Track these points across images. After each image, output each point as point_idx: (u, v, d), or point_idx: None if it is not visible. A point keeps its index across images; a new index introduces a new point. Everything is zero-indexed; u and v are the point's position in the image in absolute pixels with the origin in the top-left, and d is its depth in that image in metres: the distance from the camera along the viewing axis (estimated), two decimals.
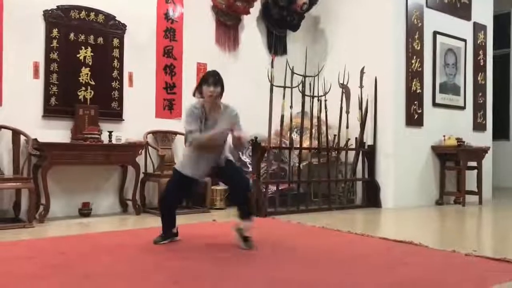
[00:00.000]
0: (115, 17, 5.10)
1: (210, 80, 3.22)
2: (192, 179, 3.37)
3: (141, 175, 5.11)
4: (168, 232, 3.44)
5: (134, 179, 4.99)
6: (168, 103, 5.50)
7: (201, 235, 3.85)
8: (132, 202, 4.99)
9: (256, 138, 5.07)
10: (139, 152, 5.01)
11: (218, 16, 5.90)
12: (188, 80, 5.65)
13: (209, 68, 5.81)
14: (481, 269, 2.84)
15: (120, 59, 5.13)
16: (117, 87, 5.10)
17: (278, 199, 5.21)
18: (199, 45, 5.77)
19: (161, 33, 5.48)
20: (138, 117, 5.26)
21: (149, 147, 5.23)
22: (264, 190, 5.11)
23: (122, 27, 5.14)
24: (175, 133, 5.49)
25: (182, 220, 4.54)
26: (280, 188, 5.30)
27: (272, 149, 5.26)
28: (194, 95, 3.35)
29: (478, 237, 4.56)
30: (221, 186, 5.57)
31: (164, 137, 5.44)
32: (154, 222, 4.43)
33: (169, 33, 5.53)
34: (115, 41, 5.10)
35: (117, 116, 5.11)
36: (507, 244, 4.06)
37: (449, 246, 3.45)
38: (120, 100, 5.12)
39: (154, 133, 5.36)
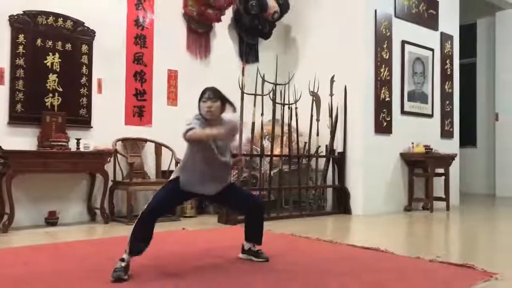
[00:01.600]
0: (83, 23, 5.04)
1: (206, 95, 2.99)
2: (193, 194, 3.10)
3: (110, 183, 5.04)
4: (133, 254, 2.79)
5: (103, 187, 4.92)
6: (138, 110, 5.46)
7: (170, 244, 3.82)
8: (101, 210, 4.91)
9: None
10: (108, 160, 4.94)
11: (189, 23, 5.90)
12: (159, 87, 5.63)
13: (180, 75, 5.83)
14: (443, 275, 2.89)
15: (89, 66, 5.07)
16: (85, 94, 5.03)
17: None
18: (170, 52, 5.75)
19: (131, 40, 5.44)
20: (107, 124, 5.19)
21: (118, 155, 5.16)
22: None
23: (91, 33, 5.08)
24: (145, 141, 5.44)
25: None
26: None
27: (243, 156, 5.25)
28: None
29: (444, 243, 4.65)
30: None
31: (133, 145, 5.38)
32: (123, 231, 4.38)
33: (140, 40, 5.50)
34: (84, 48, 5.04)
35: (85, 123, 5.04)
36: (471, 250, 4.17)
37: (415, 252, 3.52)
38: (88, 107, 5.05)
39: (124, 140, 5.30)
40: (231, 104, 3.10)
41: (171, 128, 5.56)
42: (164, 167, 5.42)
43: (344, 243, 3.90)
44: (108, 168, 4.97)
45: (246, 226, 3.30)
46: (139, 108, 5.47)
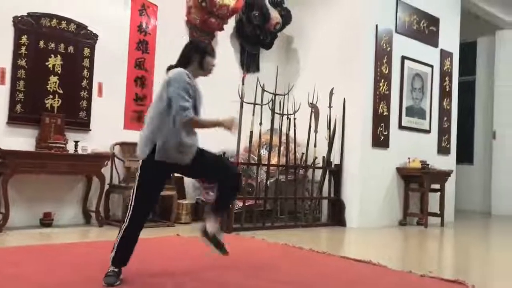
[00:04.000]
0: (86, 26, 5.08)
1: (214, 51, 2.87)
2: (172, 169, 2.82)
3: (106, 187, 5.06)
4: (122, 264, 2.70)
5: (99, 191, 4.93)
6: (137, 115, 5.48)
7: (163, 250, 3.83)
8: (96, 213, 4.92)
9: (224, 153, 5.10)
10: (105, 163, 4.96)
11: (192, 31, 5.95)
12: None
13: None
14: None
15: (90, 69, 5.10)
16: (85, 97, 5.06)
17: (244, 215, 5.23)
18: (172, 58, 5.72)
19: (133, 45, 5.48)
20: (106, 128, 5.22)
21: (116, 159, 5.18)
22: (230, 205, 5.11)
23: (93, 37, 5.12)
24: None
25: (145, 234, 4.51)
26: (246, 204, 5.32)
27: (240, 165, 5.28)
28: (169, 69, 2.86)
29: (436, 258, 4.66)
30: (188, 200, 5.57)
31: (131, 149, 5.38)
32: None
33: (142, 45, 5.54)
34: (86, 51, 5.08)
35: (84, 126, 5.06)
36: (464, 266, 4.18)
37: (407, 267, 3.53)
38: (88, 110, 5.08)
39: (122, 144, 5.32)
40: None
41: None
42: None
43: (337, 255, 3.90)
44: (105, 171, 4.98)
45: (222, 189, 2.85)
46: (138, 113, 5.49)
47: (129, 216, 2.67)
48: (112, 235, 4.41)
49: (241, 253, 3.91)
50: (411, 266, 3.55)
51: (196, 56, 2.81)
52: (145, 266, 3.12)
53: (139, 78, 5.51)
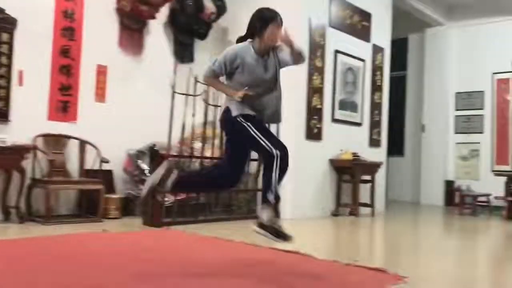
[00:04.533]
0: (4, 10, 4.74)
1: (278, 18, 2.86)
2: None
3: (28, 181, 4.77)
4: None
5: (19, 185, 4.64)
6: (62, 105, 5.21)
7: (86, 246, 3.66)
8: (16, 209, 4.63)
9: (154, 145, 4.95)
10: (26, 156, 4.67)
11: (122, 19, 5.72)
12: (86, 82, 5.41)
13: (110, 71, 5.63)
14: (356, 278, 2.97)
15: (9, 56, 4.77)
16: (4, 85, 4.74)
17: (176, 208, 5.12)
18: (100, 46, 5.55)
19: (58, 31, 5.19)
20: (27, 119, 4.90)
21: (38, 152, 4.90)
22: (161, 199, 4.98)
23: (12, 22, 4.79)
24: (68, 137, 5.20)
25: (67, 230, 4.31)
26: (179, 198, 5.21)
27: (171, 157, 5.16)
28: (240, 40, 2.94)
29: (364, 247, 4.78)
30: (116, 195, 5.37)
31: (56, 141, 5.13)
32: (39, 231, 4.18)
33: (68, 32, 5.26)
34: (4, 36, 4.74)
35: (2, 116, 4.73)
36: (390, 254, 4.31)
37: (335, 256, 3.58)
38: (7, 99, 4.75)
39: (45, 136, 5.04)
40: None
41: (98, 125, 5.39)
42: (88, 165, 5.21)
43: (267, 246, 3.90)
44: (26, 164, 4.70)
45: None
46: (63, 103, 5.22)
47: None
48: (33, 231, 4.19)
49: (168, 247, 3.83)
50: (338, 255, 3.61)
51: (261, 28, 2.83)
52: (63, 262, 2.96)
53: (65, 66, 5.23)
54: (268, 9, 2.95)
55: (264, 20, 2.86)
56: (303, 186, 6.14)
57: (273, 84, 2.97)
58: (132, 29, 5.83)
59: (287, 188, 5.98)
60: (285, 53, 2.97)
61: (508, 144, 8.62)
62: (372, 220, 6.37)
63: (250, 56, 2.86)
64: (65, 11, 5.24)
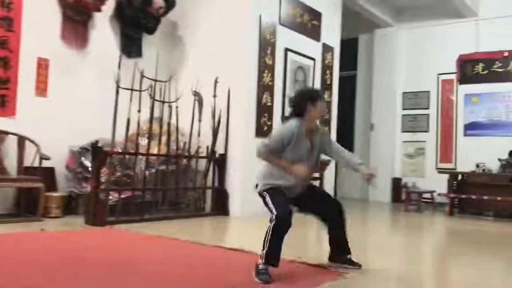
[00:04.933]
0: None
1: (322, 96, 3.14)
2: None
3: None
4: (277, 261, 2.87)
5: None
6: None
7: (22, 245, 3.49)
8: None
9: (97, 141, 4.79)
10: None
11: (64, 10, 5.49)
12: (26, 75, 5.16)
13: (52, 65, 5.41)
14: (298, 275, 2.97)
15: None
16: None
17: (120, 207, 4.98)
18: (41, 38, 5.31)
19: None
20: None
21: None
22: (104, 197, 4.83)
23: None
24: (6, 133, 4.94)
25: (3, 229, 4.10)
26: (123, 196, 5.07)
27: (115, 154, 5.01)
28: (290, 116, 3.10)
29: (310, 245, 4.82)
30: (58, 193, 5.16)
31: None
32: None
33: (5, 22, 4.99)
34: None
35: None
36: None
37: (282, 254, 3.56)
38: None
39: None
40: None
41: (38, 120, 5.16)
42: (27, 163, 4.97)
43: (211, 245, 3.85)
44: None
45: (331, 240, 3.27)
46: (1, 97, 4.96)
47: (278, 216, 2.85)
48: None
49: (110, 246, 3.72)
50: (283, 253, 3.59)
51: (306, 104, 3.02)
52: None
53: (2, 58, 4.97)
54: (312, 89, 3.35)
55: (313, 99, 3.05)
56: (253, 183, 6.10)
57: (315, 164, 3.18)
58: (75, 21, 5.61)
59: (237, 185, 5.97)
60: (327, 142, 3.23)
61: (452, 142, 8.94)
62: None
63: (301, 135, 3.02)
64: (1, 0, 4.97)
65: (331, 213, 3.22)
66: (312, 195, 3.22)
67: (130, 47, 6.16)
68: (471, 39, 8.75)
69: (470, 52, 8.76)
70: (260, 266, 2.77)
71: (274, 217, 2.84)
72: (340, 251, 3.23)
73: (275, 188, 2.99)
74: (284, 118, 3.22)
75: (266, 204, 2.98)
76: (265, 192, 3.00)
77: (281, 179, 3.00)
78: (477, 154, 8.21)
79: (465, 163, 8.35)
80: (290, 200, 3.05)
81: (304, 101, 3.04)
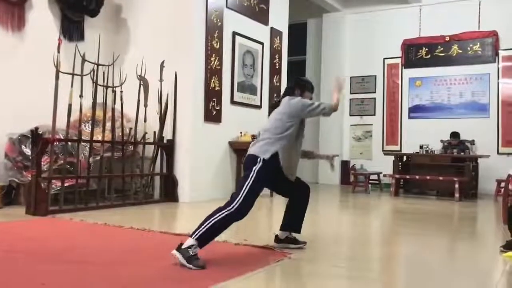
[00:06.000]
0: None
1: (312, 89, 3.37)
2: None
3: None
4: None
5: None
6: None
7: None
8: None
9: (37, 128, 4.60)
10: None
11: None
12: None
13: None
14: (244, 257, 2.98)
15: None
16: None
17: (63, 196, 4.81)
18: None
19: None
20: None
21: None
22: (46, 186, 4.65)
23: None
24: None
25: None
26: (67, 184, 4.91)
27: (56, 142, 4.83)
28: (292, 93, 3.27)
29: (256, 227, 4.85)
30: None
31: None
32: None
33: None
34: None
35: None
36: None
37: (226, 237, 3.56)
38: None
39: None
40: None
41: None
42: None
43: (157, 231, 3.80)
44: None
45: (289, 212, 3.31)
46: None
47: (233, 206, 2.81)
48: None
49: (48, 236, 3.60)
50: (231, 237, 3.60)
51: (303, 91, 3.30)
52: None
53: None
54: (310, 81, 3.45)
55: (311, 88, 3.37)
56: (202, 169, 6.08)
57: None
58: (10, 2, 5.32)
59: (186, 171, 5.92)
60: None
61: (398, 125, 9.22)
62: (271, 200, 6.49)
63: None
64: None
65: (300, 194, 3.31)
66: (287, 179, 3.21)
67: (71, 30, 5.93)
68: (415, 24, 9.01)
69: (414, 37, 9.04)
70: (192, 250, 2.64)
71: (235, 207, 2.79)
72: (292, 223, 3.29)
73: (267, 172, 2.97)
74: (274, 103, 3.56)
75: (244, 180, 2.92)
76: (259, 167, 2.95)
77: (286, 159, 3.08)
78: (421, 136, 8.54)
79: (409, 145, 8.66)
80: (270, 184, 3.25)
81: (302, 88, 3.29)
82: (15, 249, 3.04)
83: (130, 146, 5.62)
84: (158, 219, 5.01)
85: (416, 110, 9.11)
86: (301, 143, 3.27)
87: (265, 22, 7.25)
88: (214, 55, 6.22)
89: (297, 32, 9.26)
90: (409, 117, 9.13)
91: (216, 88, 6.28)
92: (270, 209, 5.93)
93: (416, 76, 9.09)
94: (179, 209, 5.49)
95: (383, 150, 9.08)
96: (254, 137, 6.52)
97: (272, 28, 7.40)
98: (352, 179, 8.45)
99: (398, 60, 9.25)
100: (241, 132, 6.62)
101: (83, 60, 5.02)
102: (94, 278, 2.43)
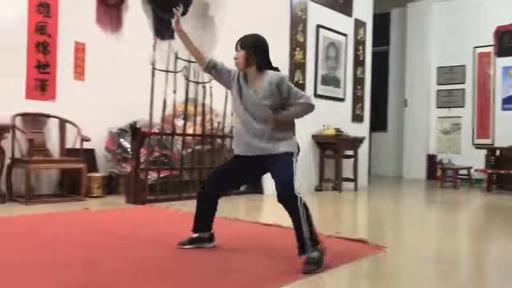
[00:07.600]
0: None
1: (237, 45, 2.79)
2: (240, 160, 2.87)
3: (8, 161, 4.71)
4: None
5: None
6: (40, 84, 5.11)
7: (70, 224, 3.65)
8: None
9: (135, 123, 4.91)
10: (4, 136, 4.60)
11: None
12: (64, 59, 5.31)
13: (88, 48, 5.53)
14: (337, 249, 3.00)
15: None
16: None
17: (160, 186, 5.11)
18: (78, 23, 5.43)
19: (33, 8, 5.06)
20: (4, 98, 4.80)
21: (17, 131, 4.82)
22: (144, 177, 4.96)
23: None
24: (48, 116, 5.11)
25: (48, 209, 4.28)
26: (162, 175, 5.20)
27: (153, 135, 5.12)
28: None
29: (347, 220, 4.85)
30: (99, 173, 5.33)
31: (35, 120, 5.05)
32: (21, 210, 4.15)
33: (43, 8, 5.12)
34: None
35: None
36: (371, 226, 4.37)
37: (318, 229, 3.60)
38: None
39: (24, 115, 4.95)
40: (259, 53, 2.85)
41: (77, 103, 5.32)
42: (69, 144, 5.15)
43: (249, 221, 3.93)
44: (5, 144, 4.63)
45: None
46: (41, 81, 5.12)
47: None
48: (15, 210, 4.15)
49: (154, 224, 3.83)
50: (321, 229, 3.63)
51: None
52: (49, 241, 2.95)
53: (41, 43, 5.12)
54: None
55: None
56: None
57: None
58: (109, 5, 5.71)
59: None
60: None
61: (489, 117, 8.72)
62: (355, 194, 6.44)
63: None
64: None
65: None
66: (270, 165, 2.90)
67: (163, 29, 6.22)
68: (509, 9, 8.43)
69: (508, 23, 8.46)
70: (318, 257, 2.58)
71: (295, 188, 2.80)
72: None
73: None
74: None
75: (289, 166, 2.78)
76: (296, 156, 2.91)
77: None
78: None
79: (503, 138, 8.16)
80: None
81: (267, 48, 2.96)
82: (131, 235, 3.28)
83: (219, 139, 5.82)
84: (249, 209, 5.16)
85: (510, 101, 8.55)
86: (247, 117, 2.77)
87: (349, 14, 7.16)
88: (298, 48, 6.26)
89: (380, 23, 9.03)
90: (503, 109, 8.58)
91: (300, 82, 6.31)
92: (355, 202, 5.89)
93: (511, 65, 8.53)
94: (267, 201, 5.62)
95: (473, 144, 8.63)
96: (338, 130, 6.52)
97: (356, 19, 7.29)
98: (439, 173, 8.12)
99: (490, 49, 8.71)
100: (324, 126, 6.60)
101: (176, 57, 5.26)
102: (209, 264, 2.58)
